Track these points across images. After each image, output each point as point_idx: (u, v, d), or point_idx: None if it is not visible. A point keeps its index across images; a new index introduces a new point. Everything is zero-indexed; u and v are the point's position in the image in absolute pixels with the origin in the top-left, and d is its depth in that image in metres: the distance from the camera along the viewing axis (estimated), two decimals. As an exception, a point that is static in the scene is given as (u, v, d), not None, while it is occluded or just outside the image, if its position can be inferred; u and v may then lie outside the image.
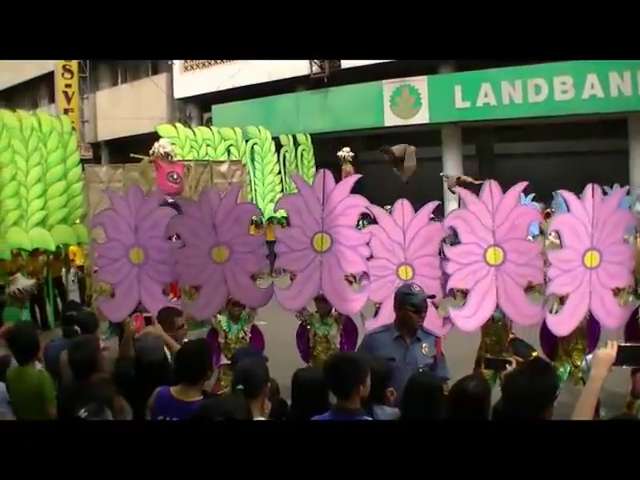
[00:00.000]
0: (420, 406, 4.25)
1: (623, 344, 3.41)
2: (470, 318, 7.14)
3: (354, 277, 7.99)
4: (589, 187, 6.96)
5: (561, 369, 7.44)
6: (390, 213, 7.40)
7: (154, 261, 7.73)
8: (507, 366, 4.92)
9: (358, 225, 7.72)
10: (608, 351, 3.26)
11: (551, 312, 7.25)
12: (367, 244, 7.34)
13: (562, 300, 7.24)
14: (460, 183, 12.62)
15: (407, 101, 24.27)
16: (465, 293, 7.29)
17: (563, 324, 7.13)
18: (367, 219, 7.99)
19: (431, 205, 7.42)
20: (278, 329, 8.59)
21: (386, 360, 5.09)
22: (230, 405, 3.21)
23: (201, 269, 7.64)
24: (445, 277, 7.23)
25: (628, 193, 11.32)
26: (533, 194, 13.98)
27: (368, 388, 4.19)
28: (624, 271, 7.11)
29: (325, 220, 7.34)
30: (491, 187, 7.07)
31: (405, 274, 7.26)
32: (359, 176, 7.81)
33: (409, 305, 5.47)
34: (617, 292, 7.27)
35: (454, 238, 7.42)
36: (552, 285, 7.05)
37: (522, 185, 7.21)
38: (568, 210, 7.08)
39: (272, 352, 7.86)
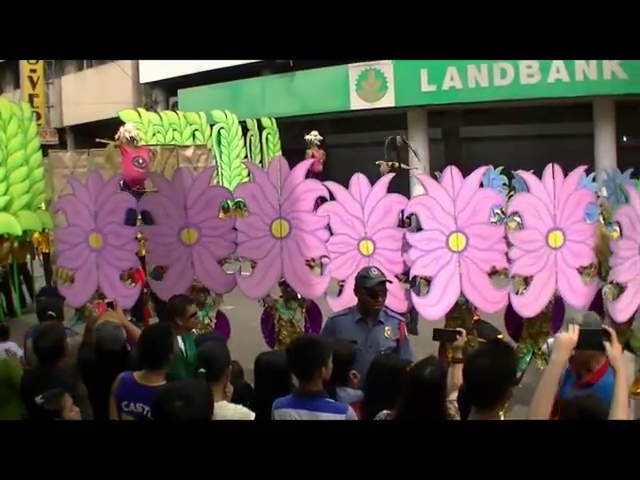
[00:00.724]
0: (383, 388, 4.28)
1: (584, 328, 3.44)
2: (434, 306, 7.13)
3: (314, 261, 7.93)
4: (549, 167, 6.99)
5: (524, 350, 7.51)
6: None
7: (112, 246, 7.64)
8: (457, 337, 4.91)
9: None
10: (569, 335, 3.29)
11: (517, 294, 7.26)
12: (326, 228, 7.30)
13: (527, 281, 7.27)
14: (393, 170, 12.61)
15: (373, 85, 24.17)
16: (429, 281, 7.29)
17: (529, 306, 7.17)
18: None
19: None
20: (245, 314, 8.54)
21: (349, 342, 5.13)
22: (191, 389, 3.18)
23: (170, 249, 7.57)
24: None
25: (594, 180, 11.45)
26: (501, 167, 14.03)
27: (330, 370, 4.21)
28: (587, 249, 7.15)
29: (282, 206, 7.31)
30: (452, 172, 7.04)
31: (366, 249, 7.20)
32: (312, 161, 7.80)
33: (364, 289, 5.50)
34: (582, 271, 7.33)
35: (417, 224, 7.42)
36: (515, 266, 7.07)
37: (483, 169, 7.25)
38: (528, 191, 7.12)
39: (239, 337, 7.89)
